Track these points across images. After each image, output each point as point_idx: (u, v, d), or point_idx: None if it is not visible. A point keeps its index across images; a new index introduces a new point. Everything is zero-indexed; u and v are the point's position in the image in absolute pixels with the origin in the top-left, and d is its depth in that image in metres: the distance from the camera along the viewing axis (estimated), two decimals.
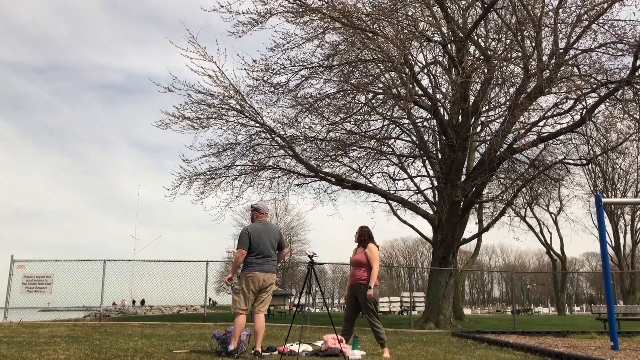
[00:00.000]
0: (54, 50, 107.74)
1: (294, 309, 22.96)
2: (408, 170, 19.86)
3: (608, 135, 16.43)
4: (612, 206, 37.99)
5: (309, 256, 6.08)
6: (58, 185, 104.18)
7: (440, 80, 18.30)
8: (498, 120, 16.74)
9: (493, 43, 16.93)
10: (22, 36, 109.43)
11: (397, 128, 18.75)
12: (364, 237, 6.66)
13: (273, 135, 15.68)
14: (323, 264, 6.83)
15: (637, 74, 13.00)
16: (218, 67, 13.82)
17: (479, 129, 18.40)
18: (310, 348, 6.58)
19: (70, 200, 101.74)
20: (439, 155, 18.72)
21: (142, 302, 39.24)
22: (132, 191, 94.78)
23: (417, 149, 19.36)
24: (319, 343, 6.84)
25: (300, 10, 12.82)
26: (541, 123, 15.60)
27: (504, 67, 15.10)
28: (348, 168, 18.20)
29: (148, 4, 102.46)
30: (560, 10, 14.13)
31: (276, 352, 6.43)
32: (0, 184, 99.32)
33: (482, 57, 15.13)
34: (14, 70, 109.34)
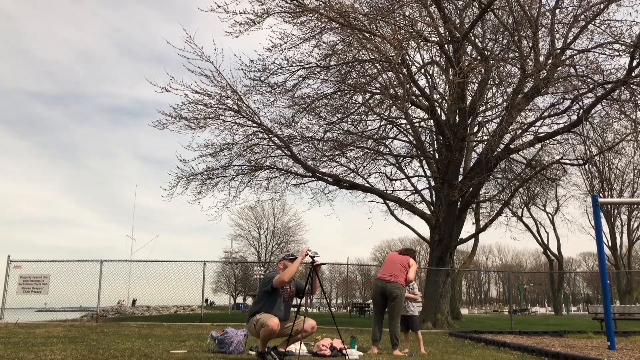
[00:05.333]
0: (71, 81, 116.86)
1: (293, 309, 22.87)
2: (405, 171, 19.91)
3: (604, 135, 16.49)
4: (609, 206, 38.10)
5: (310, 257, 6.04)
6: (67, 194, 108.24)
7: (437, 80, 18.32)
8: (495, 121, 16.77)
9: (490, 43, 16.95)
10: (44, 70, 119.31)
11: (395, 128, 18.77)
12: None
13: (270, 136, 15.67)
14: (325, 264, 6.77)
15: (633, 74, 13.04)
16: (215, 67, 13.82)
17: (476, 129, 18.45)
18: (306, 348, 6.57)
19: (78, 207, 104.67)
20: (436, 155, 18.73)
21: (133, 302, 38.93)
22: (134, 198, 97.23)
23: (414, 149, 19.38)
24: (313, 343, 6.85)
25: (298, 10, 12.82)
26: (538, 123, 15.67)
27: (501, 68, 15.13)
28: (345, 168, 18.22)
29: (155, 49, 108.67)
30: (557, 10, 14.18)
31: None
32: (11, 192, 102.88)
33: (479, 58, 15.16)
34: (33, 96, 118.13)
